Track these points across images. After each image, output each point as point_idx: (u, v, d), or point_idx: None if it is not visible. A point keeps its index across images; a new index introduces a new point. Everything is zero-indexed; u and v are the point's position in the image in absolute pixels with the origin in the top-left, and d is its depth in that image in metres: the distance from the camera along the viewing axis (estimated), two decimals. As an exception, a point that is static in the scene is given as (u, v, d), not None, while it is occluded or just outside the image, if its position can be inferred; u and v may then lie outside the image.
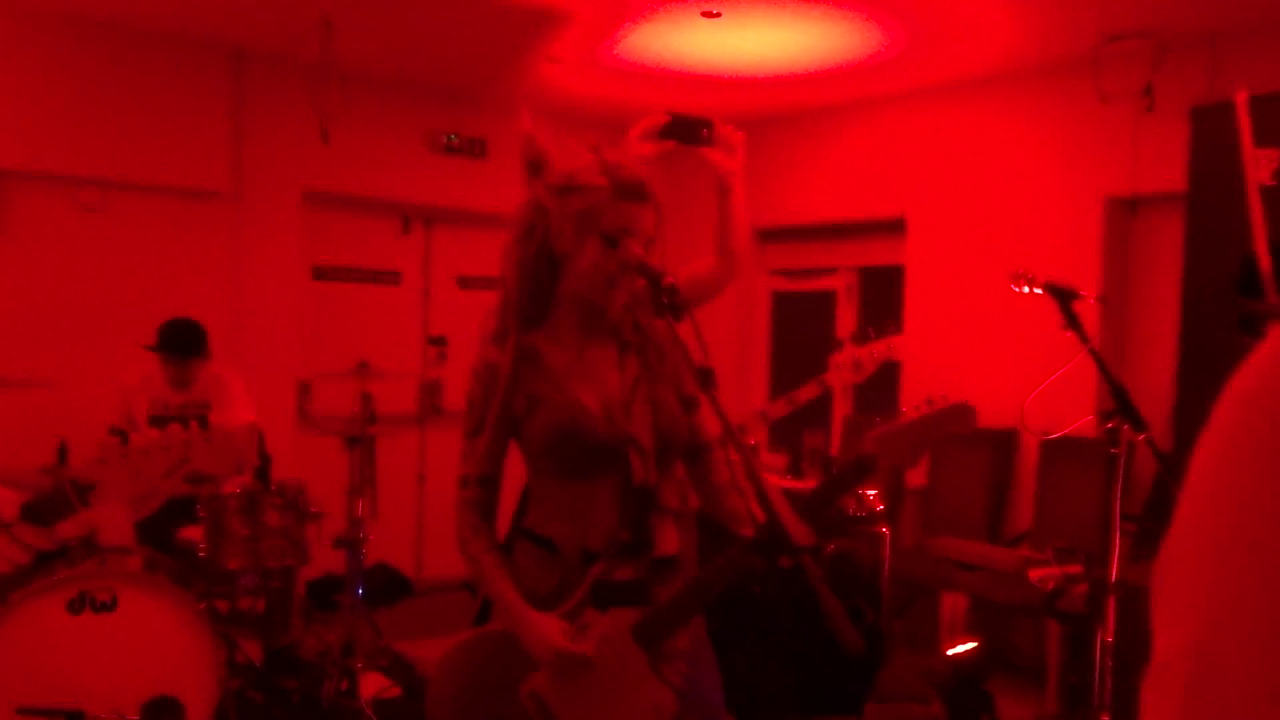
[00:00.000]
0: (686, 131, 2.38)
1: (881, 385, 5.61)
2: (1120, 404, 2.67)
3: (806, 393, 2.82)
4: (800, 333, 6.66)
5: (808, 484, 4.90)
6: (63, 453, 3.84)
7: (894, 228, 5.82)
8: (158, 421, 4.24)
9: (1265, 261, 3.16)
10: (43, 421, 4.30)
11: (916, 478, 5.37)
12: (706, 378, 1.73)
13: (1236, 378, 0.51)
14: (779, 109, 6.09)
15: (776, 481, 4.30)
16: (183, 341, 4.17)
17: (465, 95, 6.07)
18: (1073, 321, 2.72)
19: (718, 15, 4.42)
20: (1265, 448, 0.45)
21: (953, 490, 5.22)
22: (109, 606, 3.00)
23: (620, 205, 1.87)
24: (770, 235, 6.68)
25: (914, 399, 1.96)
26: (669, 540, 1.97)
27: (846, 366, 2.76)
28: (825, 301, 6.43)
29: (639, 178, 1.90)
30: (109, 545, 3.49)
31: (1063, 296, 2.75)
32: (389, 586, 5.69)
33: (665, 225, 1.96)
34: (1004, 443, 5.07)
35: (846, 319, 6.29)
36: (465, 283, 6.40)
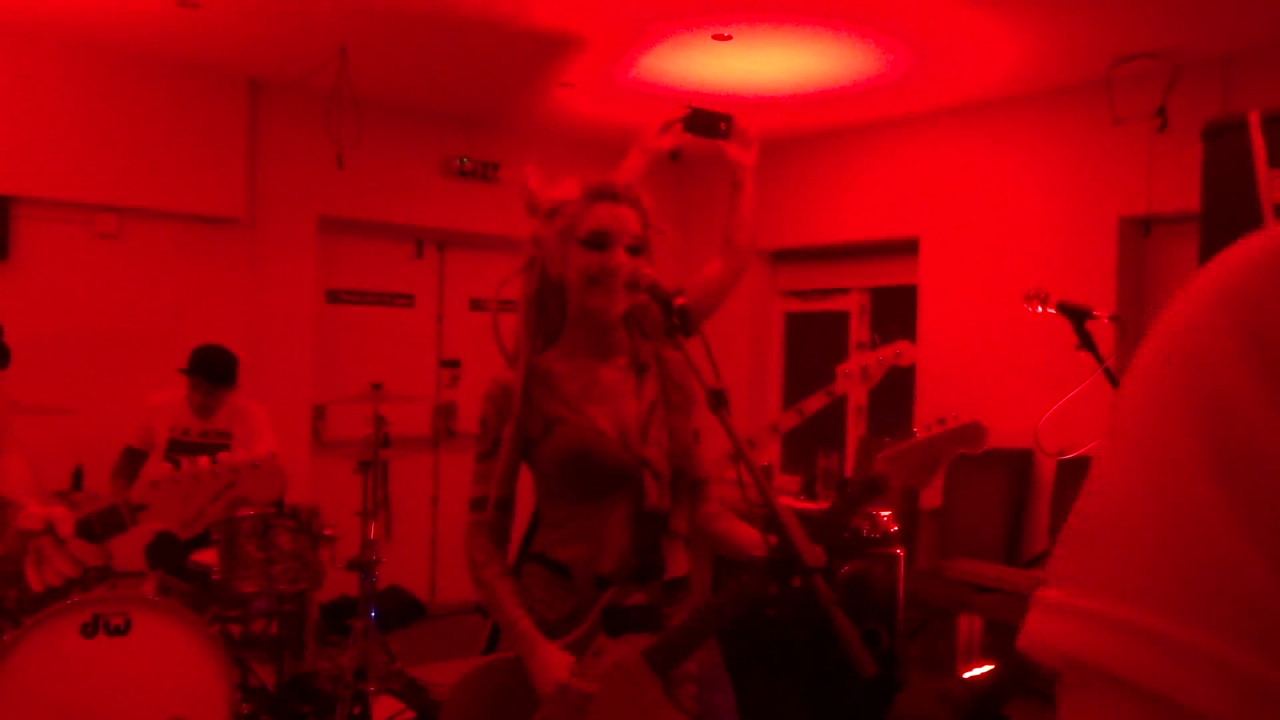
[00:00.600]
0: (706, 125, 2.42)
1: (897, 406, 5.59)
2: (1136, 424, 2.65)
3: (815, 403, 2.80)
4: (813, 354, 6.65)
5: (821, 505, 4.87)
6: (78, 477, 3.86)
7: (907, 248, 5.81)
8: (177, 445, 4.25)
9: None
10: (60, 447, 4.32)
11: (931, 499, 5.33)
12: (718, 398, 1.73)
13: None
14: (792, 131, 6.10)
15: (789, 503, 4.28)
16: (216, 369, 4.18)
17: (478, 120, 6.11)
18: (1086, 341, 2.71)
19: (729, 38, 4.44)
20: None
21: (968, 512, 5.18)
22: (122, 630, 3.00)
23: (592, 207, 1.90)
24: (783, 256, 6.68)
25: (926, 419, 1.95)
26: (679, 564, 1.96)
27: (854, 374, 2.73)
28: (838, 322, 6.42)
29: (609, 180, 1.94)
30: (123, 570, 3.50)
31: (1076, 316, 2.74)
32: (402, 610, 5.68)
33: (661, 237, 1.97)
34: (1019, 464, 5.04)
35: (860, 339, 6.28)
36: (478, 305, 6.42)
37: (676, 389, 1.97)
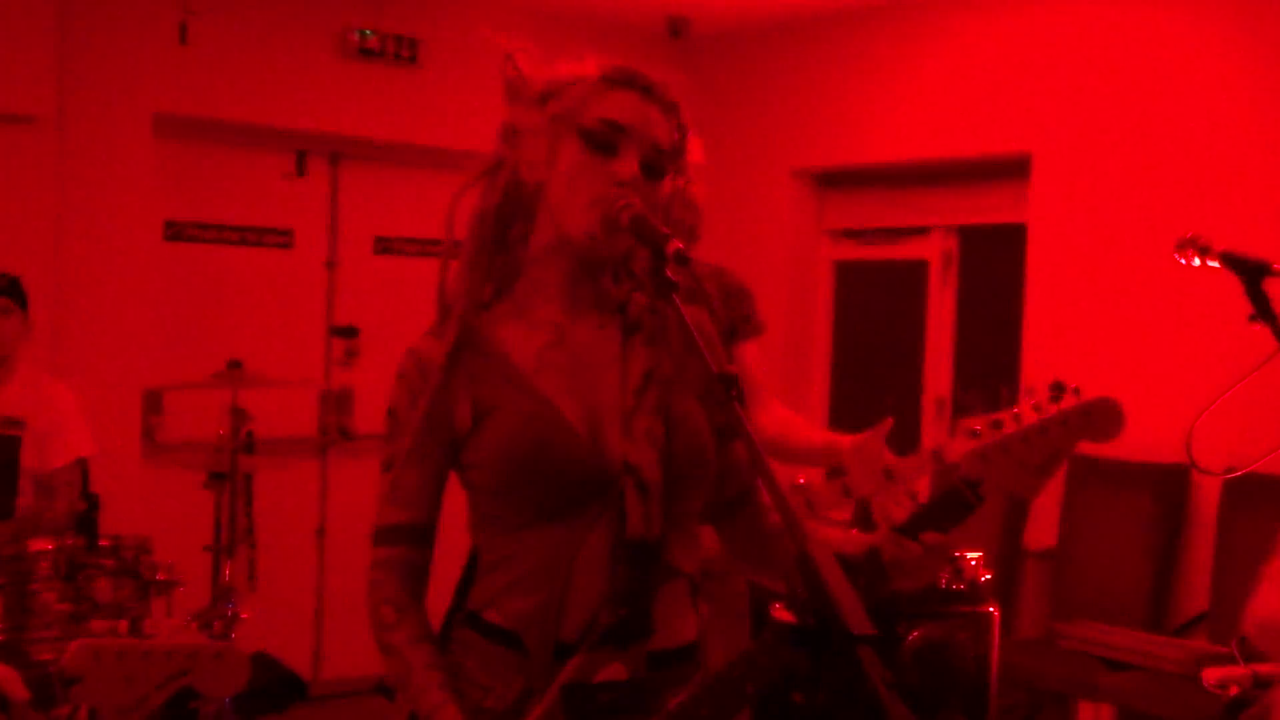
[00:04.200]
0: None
1: (991, 397, 5.60)
2: (1334, 430, 2.66)
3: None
4: (875, 321, 6.65)
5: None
6: None
7: (1013, 171, 5.81)
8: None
9: None
10: None
11: (1043, 536, 5.35)
12: (729, 385, 1.72)
13: None
14: (844, 1, 6.08)
15: (835, 537, 4.29)
16: None
17: (390, -25, 6.08)
18: (1264, 310, 2.71)
19: None
20: None
21: (1094, 553, 5.20)
22: None
23: (610, 93, 1.86)
24: (832, 180, 6.67)
25: (1035, 399, 1.86)
26: (683, 621, 1.95)
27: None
28: (912, 276, 6.41)
29: (639, 68, 1.90)
30: None
31: (1250, 273, 2.74)
32: (272, 688, 5.69)
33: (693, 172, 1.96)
34: (1169, 485, 5.05)
35: (944, 301, 6.28)
36: (385, 246, 6.41)
37: (686, 356, 1.93)
